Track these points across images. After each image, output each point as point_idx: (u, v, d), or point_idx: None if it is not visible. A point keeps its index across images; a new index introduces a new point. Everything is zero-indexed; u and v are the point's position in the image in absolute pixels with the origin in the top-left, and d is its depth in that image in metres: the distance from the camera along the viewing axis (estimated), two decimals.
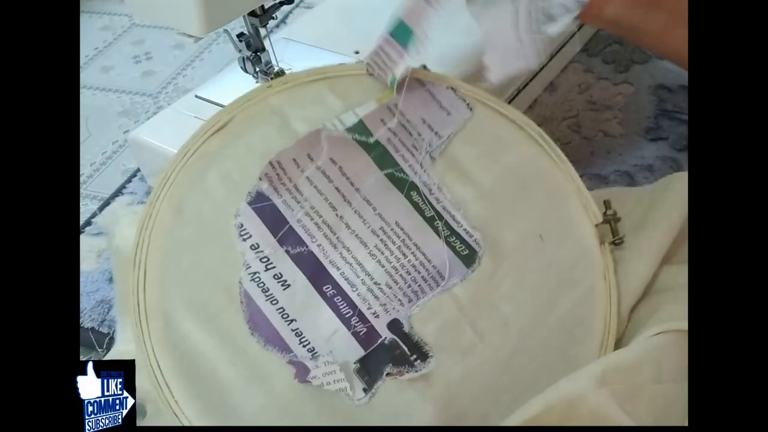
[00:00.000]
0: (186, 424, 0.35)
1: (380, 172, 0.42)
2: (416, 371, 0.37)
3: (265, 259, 0.39)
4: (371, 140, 0.43)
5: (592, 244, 0.41)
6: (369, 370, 0.38)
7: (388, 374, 0.37)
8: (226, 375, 0.36)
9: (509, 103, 0.59)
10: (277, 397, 0.36)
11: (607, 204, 0.42)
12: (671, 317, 0.35)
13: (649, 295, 0.39)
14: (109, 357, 0.41)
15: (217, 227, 0.40)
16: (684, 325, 0.34)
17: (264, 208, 0.40)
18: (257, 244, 0.39)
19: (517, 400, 0.34)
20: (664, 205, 0.39)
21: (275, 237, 0.40)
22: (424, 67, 0.44)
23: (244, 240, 0.39)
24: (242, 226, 0.40)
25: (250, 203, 0.40)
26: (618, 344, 0.39)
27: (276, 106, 0.43)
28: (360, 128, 0.43)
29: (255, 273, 0.39)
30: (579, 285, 0.40)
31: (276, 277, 0.39)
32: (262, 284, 0.39)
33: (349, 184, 0.42)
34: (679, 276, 0.38)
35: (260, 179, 0.41)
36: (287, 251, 0.40)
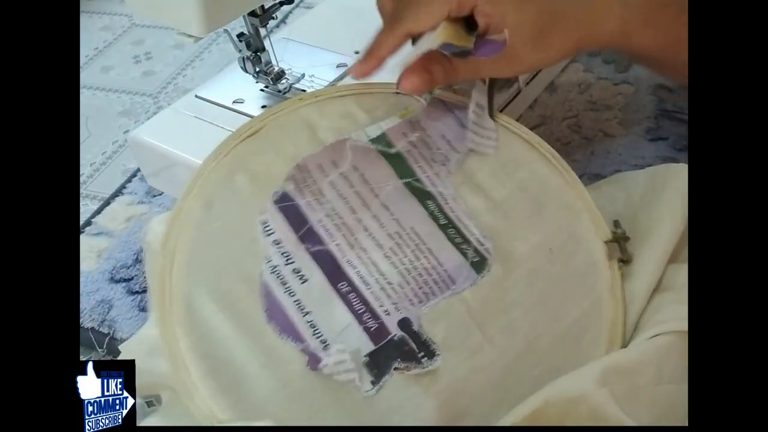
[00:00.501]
0: (200, 403, 0.37)
1: (399, 181, 0.44)
2: (423, 368, 0.39)
3: (285, 254, 0.41)
4: (392, 151, 0.45)
5: (600, 259, 0.43)
6: (378, 364, 0.39)
7: (395, 368, 0.39)
8: (242, 358, 0.38)
9: (509, 103, 0.60)
10: (288, 382, 0.38)
11: (616, 223, 0.44)
12: (672, 318, 0.36)
13: (650, 295, 0.40)
14: (134, 339, 0.43)
15: (243, 222, 0.42)
16: (684, 326, 0.34)
17: (288, 207, 0.43)
18: (279, 240, 0.42)
19: (519, 401, 0.35)
20: (667, 208, 0.40)
21: (297, 234, 0.42)
22: (451, 85, 0.47)
23: (268, 235, 0.42)
24: (266, 222, 0.42)
25: (275, 202, 0.43)
26: None
27: (306, 116, 0.46)
28: (382, 140, 0.45)
29: (275, 266, 0.41)
30: (586, 297, 0.41)
31: (295, 271, 0.41)
32: (281, 277, 0.41)
33: (369, 190, 0.44)
34: (680, 275, 0.39)
35: (286, 180, 0.43)
36: (307, 248, 0.42)
